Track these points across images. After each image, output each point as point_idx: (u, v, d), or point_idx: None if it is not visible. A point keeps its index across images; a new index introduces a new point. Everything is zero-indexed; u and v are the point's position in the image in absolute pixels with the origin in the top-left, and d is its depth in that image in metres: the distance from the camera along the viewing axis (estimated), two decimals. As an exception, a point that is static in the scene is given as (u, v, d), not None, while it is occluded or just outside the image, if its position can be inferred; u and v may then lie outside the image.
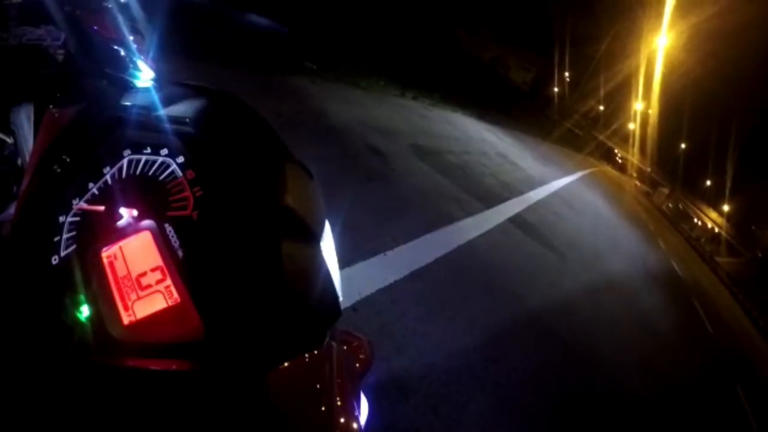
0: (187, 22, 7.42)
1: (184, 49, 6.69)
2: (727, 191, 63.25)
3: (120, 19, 2.13)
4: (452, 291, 4.91)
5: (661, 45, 47.12)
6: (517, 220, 8.61)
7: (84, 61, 1.69)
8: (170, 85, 0.92)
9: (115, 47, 1.96)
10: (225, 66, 7.57)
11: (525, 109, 30.19)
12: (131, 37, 2.14)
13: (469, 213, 7.34)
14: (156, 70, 2.18)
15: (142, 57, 2.12)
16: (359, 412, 0.88)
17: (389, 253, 4.79)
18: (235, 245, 0.67)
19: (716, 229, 62.99)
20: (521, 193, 11.03)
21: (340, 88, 11.04)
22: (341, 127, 8.02)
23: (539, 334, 5.33)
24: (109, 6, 2.13)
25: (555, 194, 14.09)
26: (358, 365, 1.12)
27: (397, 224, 5.55)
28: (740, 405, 8.51)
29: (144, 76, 2.03)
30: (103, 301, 0.64)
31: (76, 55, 1.68)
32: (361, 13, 17.53)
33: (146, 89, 0.96)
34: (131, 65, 1.98)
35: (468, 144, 13.21)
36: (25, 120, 0.90)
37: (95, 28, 1.88)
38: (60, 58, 1.62)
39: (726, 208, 63.84)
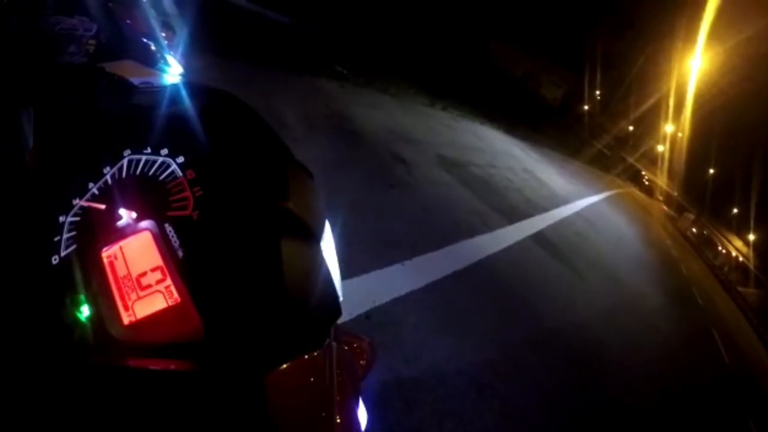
0: (220, 20, 7.48)
1: (216, 47, 6.73)
2: (753, 220, 62.23)
3: (152, 13, 2.07)
4: (467, 306, 4.88)
5: (694, 68, 46.69)
6: (538, 238, 8.55)
7: (115, 53, 1.64)
8: (170, 85, 0.91)
9: (146, 41, 1.90)
10: (255, 65, 7.60)
11: (554, 126, 30.00)
12: (162, 32, 2.10)
13: (491, 228, 7.30)
14: (185, 66, 2.09)
15: (171, 52, 2.04)
16: (359, 414, 0.92)
17: (407, 262, 4.78)
18: (235, 245, 0.67)
19: (741, 258, 62.03)
20: (545, 210, 10.98)
21: (369, 93, 11.07)
22: (367, 132, 8.04)
23: (553, 355, 5.27)
24: (143, 0, 2.07)
25: (579, 214, 13.98)
26: (359, 367, 1.12)
27: (417, 234, 5.54)
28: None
29: (173, 71, 1.91)
30: (103, 301, 0.64)
31: (108, 47, 1.64)
32: (396, 22, 17.55)
33: (146, 89, 0.97)
34: (161, 60, 1.89)
35: (494, 158, 13.14)
36: (25, 119, 0.89)
37: (128, 21, 1.84)
38: (91, 49, 1.60)
39: (752, 237, 62.85)
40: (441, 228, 6.16)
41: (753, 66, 55.51)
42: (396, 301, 4.07)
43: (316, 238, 0.76)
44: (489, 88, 23.22)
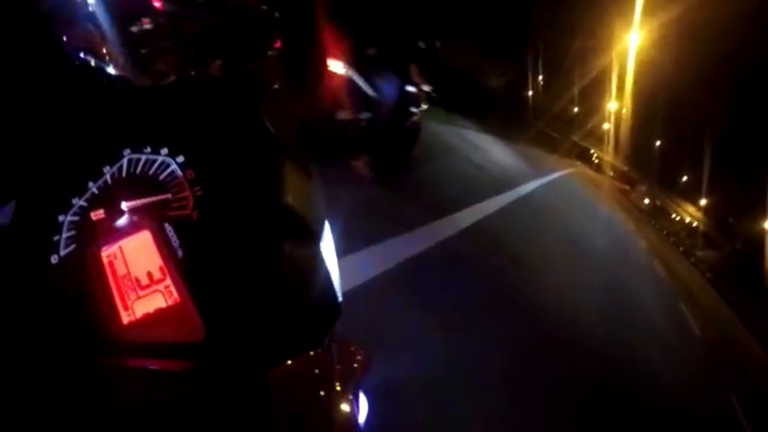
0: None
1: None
2: (704, 185, 63.66)
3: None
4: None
5: (632, 44, 47.49)
6: (484, 226, 8.42)
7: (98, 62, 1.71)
8: (170, 84, 0.96)
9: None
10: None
11: (499, 113, 30.07)
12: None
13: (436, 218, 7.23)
14: None
15: None
16: (359, 413, 0.93)
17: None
18: (234, 245, 0.68)
19: (695, 224, 63.50)
20: (497, 193, 10.98)
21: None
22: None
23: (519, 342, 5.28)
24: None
25: (532, 194, 14.13)
26: (357, 367, 1.13)
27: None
28: (736, 415, 8.37)
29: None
30: (103, 300, 0.64)
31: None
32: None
33: (146, 88, 1.01)
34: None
35: (444, 152, 12.93)
36: (24, 118, 0.89)
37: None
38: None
39: (703, 202, 64.32)
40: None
41: (687, 39, 56.64)
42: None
43: (315, 237, 0.78)
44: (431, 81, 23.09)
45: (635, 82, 56.82)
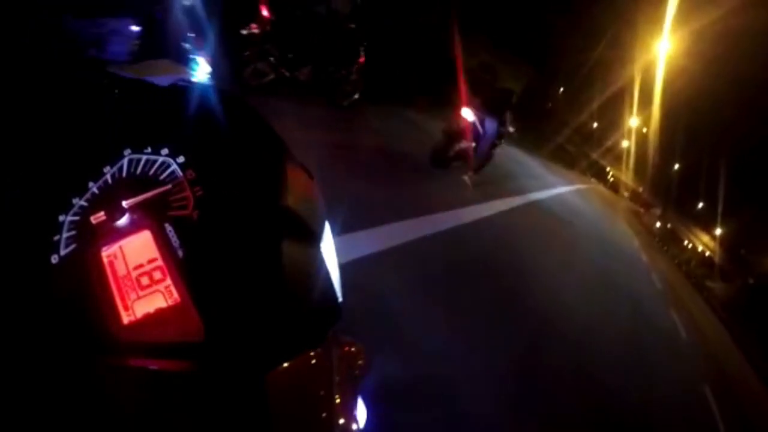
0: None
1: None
2: (719, 214, 62.71)
3: (185, 19, 2.41)
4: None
5: (661, 55, 46.52)
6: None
7: (155, 52, 1.92)
8: (171, 85, 0.94)
9: (181, 42, 2.24)
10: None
11: (515, 121, 29.94)
12: (193, 36, 2.46)
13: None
14: (213, 66, 2.42)
15: (201, 53, 2.35)
16: (358, 414, 0.94)
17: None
18: (235, 245, 0.69)
19: (707, 253, 62.68)
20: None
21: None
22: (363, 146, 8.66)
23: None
24: (178, 7, 2.40)
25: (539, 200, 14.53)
26: (356, 368, 1.13)
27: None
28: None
29: (201, 69, 2.25)
30: (103, 300, 0.65)
31: (150, 47, 1.88)
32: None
33: (146, 88, 0.98)
34: (192, 60, 2.20)
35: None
36: (25, 116, 0.88)
37: (166, 25, 2.14)
38: (135, 48, 1.81)
39: (718, 231, 63.48)
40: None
41: (719, 47, 54.40)
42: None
43: (316, 238, 0.78)
44: (444, 83, 22.92)
45: (661, 99, 55.90)
